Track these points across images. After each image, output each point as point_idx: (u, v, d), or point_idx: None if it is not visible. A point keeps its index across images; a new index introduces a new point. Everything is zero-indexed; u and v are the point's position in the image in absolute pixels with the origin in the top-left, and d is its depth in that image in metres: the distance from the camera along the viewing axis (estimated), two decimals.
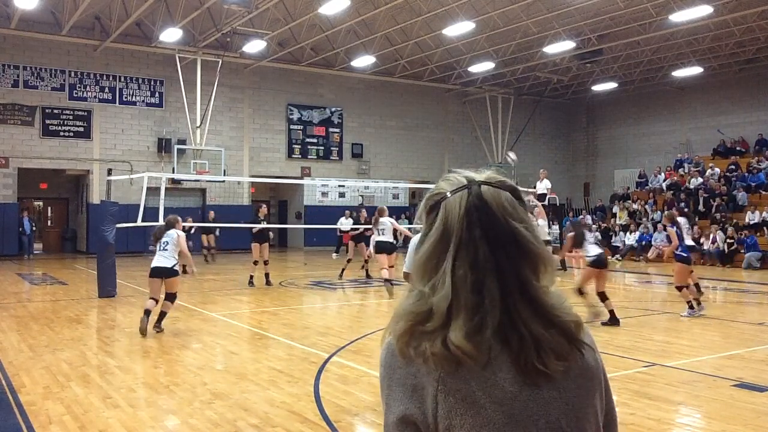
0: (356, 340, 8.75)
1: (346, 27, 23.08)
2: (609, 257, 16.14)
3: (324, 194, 28.76)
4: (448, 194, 1.16)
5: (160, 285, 9.23)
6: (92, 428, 5.14)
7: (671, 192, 26.14)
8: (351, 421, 5.42)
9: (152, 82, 25.40)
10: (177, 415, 5.49)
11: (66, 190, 26.81)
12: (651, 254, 23.12)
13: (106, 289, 12.74)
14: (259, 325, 10.13)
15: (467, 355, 1.06)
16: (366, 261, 17.16)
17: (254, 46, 23.41)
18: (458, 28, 21.83)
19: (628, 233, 24.46)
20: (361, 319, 11.20)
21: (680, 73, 27.70)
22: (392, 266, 14.03)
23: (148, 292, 9.40)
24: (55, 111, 23.81)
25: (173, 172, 22.92)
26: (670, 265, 12.32)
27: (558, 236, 23.49)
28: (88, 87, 24.36)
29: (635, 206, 26.39)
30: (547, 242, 18.46)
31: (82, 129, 24.25)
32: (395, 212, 26.47)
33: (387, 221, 13.68)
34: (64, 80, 23.99)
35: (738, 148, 27.23)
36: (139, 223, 13.97)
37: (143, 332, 8.86)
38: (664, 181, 27.16)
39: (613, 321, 9.52)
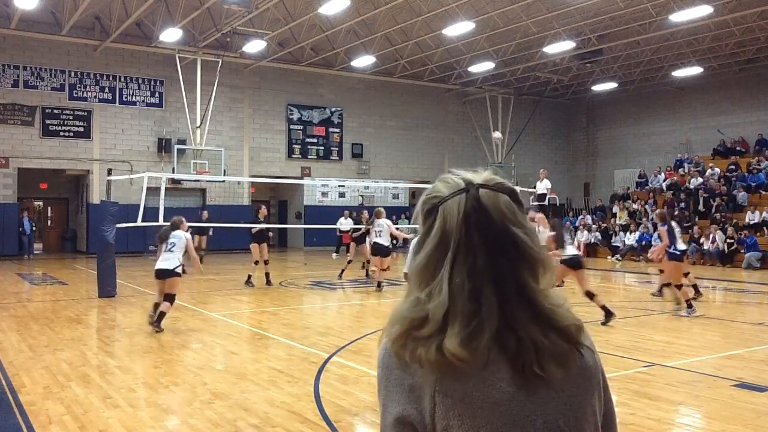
0: (356, 340, 8.75)
1: (346, 27, 23.08)
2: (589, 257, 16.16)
3: (324, 194, 28.76)
4: (446, 197, 1.15)
5: (163, 285, 9.35)
6: (92, 428, 5.14)
7: (671, 192, 26.14)
8: (351, 421, 5.42)
9: (152, 82, 25.40)
10: (177, 415, 5.50)
11: (66, 190, 26.81)
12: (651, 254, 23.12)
13: (106, 289, 12.74)
14: (259, 325, 10.13)
15: (462, 362, 1.06)
16: (367, 261, 17.19)
17: (254, 46, 23.41)
18: (458, 28, 21.83)
19: (628, 233, 24.46)
20: (361, 319, 11.20)
21: (680, 73, 27.70)
22: (387, 268, 14.14)
23: (152, 293, 9.40)
24: (55, 111, 23.81)
25: (173, 172, 22.91)
26: (659, 264, 12.31)
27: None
28: (88, 87, 24.36)
29: (635, 206, 26.38)
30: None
31: (82, 129, 24.25)
32: (395, 212, 26.53)
33: (384, 223, 13.86)
34: (64, 80, 23.99)
35: (738, 148, 27.22)
36: (139, 223, 13.97)
37: (154, 326, 9.19)
38: (664, 181, 27.16)
39: (608, 315, 9.50)
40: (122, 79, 24.89)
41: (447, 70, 28.75)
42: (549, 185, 20.64)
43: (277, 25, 22.61)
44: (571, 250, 9.95)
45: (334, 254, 23.52)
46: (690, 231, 22.90)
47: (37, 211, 28.06)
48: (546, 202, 20.38)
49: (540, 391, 1.09)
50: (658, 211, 12.21)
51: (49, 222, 27.88)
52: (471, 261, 1.10)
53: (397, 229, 15.10)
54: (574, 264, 9.83)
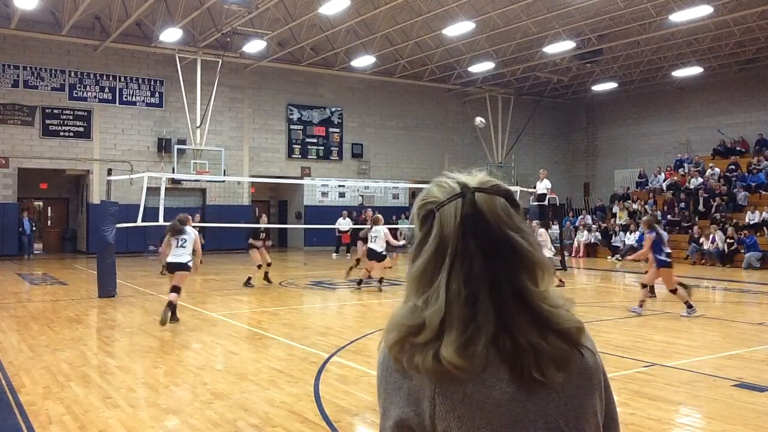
0: (356, 340, 8.75)
1: (346, 27, 23.07)
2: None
3: (324, 194, 28.76)
4: (443, 203, 1.14)
5: (173, 277, 9.98)
6: (92, 428, 5.14)
7: (671, 192, 26.15)
8: (351, 421, 5.42)
9: (152, 82, 25.40)
10: (177, 415, 5.49)
11: (66, 190, 26.81)
12: None
13: (106, 289, 12.74)
14: (259, 325, 10.13)
15: (459, 369, 1.05)
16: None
17: (254, 46, 23.41)
18: (458, 28, 21.83)
19: (628, 233, 24.46)
20: (361, 319, 11.20)
21: (680, 73, 27.70)
22: (390, 267, 14.33)
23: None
24: (55, 111, 23.81)
25: (173, 172, 22.90)
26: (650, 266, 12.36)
27: (558, 236, 23.51)
28: (88, 87, 24.36)
29: (635, 206, 26.39)
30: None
31: (82, 129, 24.25)
32: (395, 212, 26.54)
33: (381, 230, 14.12)
34: (64, 80, 23.99)
35: (738, 148, 27.23)
36: (139, 223, 13.97)
37: (174, 319, 9.74)
38: (664, 181, 27.17)
39: None
40: (122, 79, 24.89)
41: (447, 70, 28.75)
42: (549, 185, 20.63)
43: (277, 25, 22.61)
44: (546, 253, 9.99)
45: (334, 254, 23.54)
46: (690, 231, 22.92)
47: (37, 211, 28.05)
48: (546, 202, 20.37)
49: (540, 391, 1.09)
50: (644, 218, 12.29)
51: (49, 222, 27.88)
52: (467, 267, 1.10)
53: (396, 229, 15.27)
54: None
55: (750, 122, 27.92)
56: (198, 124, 24.31)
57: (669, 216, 24.91)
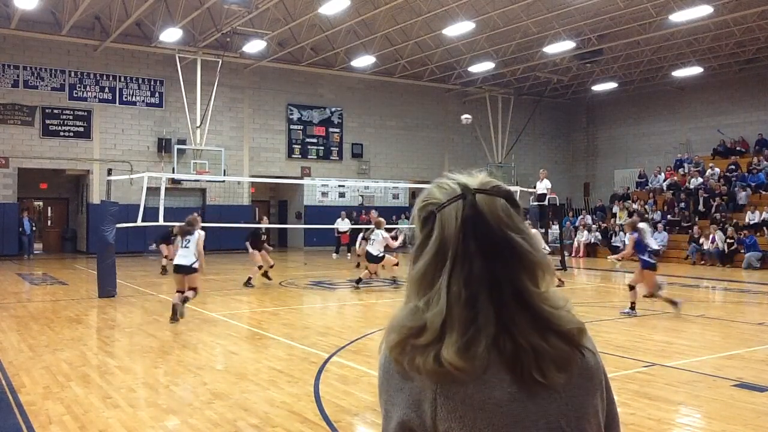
0: (356, 340, 8.75)
1: (346, 27, 23.07)
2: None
3: (324, 194, 28.76)
4: (443, 204, 1.14)
5: (183, 279, 10.10)
6: (92, 428, 5.14)
7: (671, 192, 26.15)
8: (351, 421, 5.42)
9: (152, 82, 25.40)
10: (177, 415, 5.49)
11: (66, 190, 26.81)
12: None
13: (106, 289, 12.74)
14: (259, 325, 10.13)
15: (460, 371, 1.06)
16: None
17: (254, 46, 23.41)
18: (458, 28, 21.83)
19: (628, 233, 24.41)
20: (361, 319, 11.20)
21: (680, 73, 27.70)
22: (397, 264, 14.61)
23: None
24: (55, 111, 23.81)
25: (173, 172, 22.90)
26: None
27: (558, 236, 23.51)
28: (88, 87, 24.36)
29: (635, 206, 26.38)
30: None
31: (82, 129, 24.25)
32: (395, 212, 26.54)
33: (380, 234, 14.45)
34: (64, 80, 23.99)
35: (738, 148, 27.23)
36: (139, 223, 13.98)
37: (180, 316, 9.90)
38: (664, 181, 27.17)
39: None
40: (122, 79, 24.89)
41: (447, 70, 28.75)
42: (549, 185, 20.63)
43: (277, 25, 22.61)
44: None
45: (334, 254, 23.54)
46: (690, 231, 22.92)
47: (37, 211, 28.06)
48: (546, 202, 20.37)
49: (541, 392, 1.09)
50: (628, 220, 12.42)
51: (49, 222, 27.87)
52: (468, 269, 1.10)
53: (396, 229, 15.45)
54: None
55: (750, 122, 27.92)
56: (198, 124, 24.32)
57: (669, 216, 24.91)
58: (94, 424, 5.24)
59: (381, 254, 14.41)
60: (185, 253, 10.05)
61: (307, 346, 8.34)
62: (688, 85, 29.68)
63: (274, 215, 29.72)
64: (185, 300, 10.07)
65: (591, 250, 25.79)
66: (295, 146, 28.34)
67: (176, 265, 10.21)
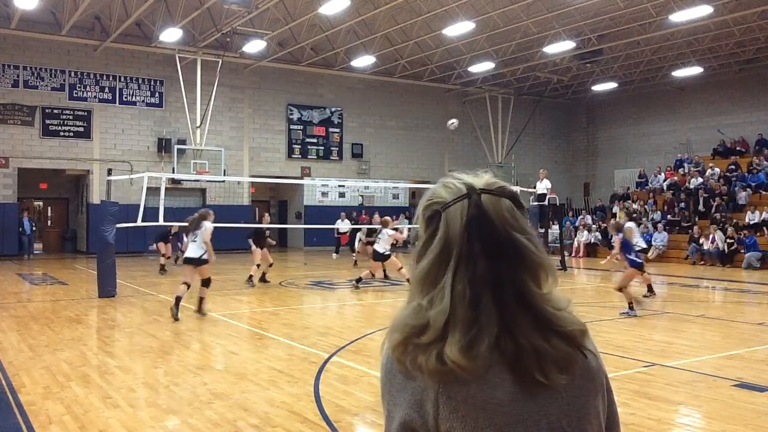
0: (356, 340, 8.75)
1: (346, 27, 23.07)
2: None
3: (324, 194, 28.76)
4: (448, 204, 1.15)
5: (191, 271, 10.48)
6: (92, 428, 5.14)
7: (671, 192, 26.14)
8: (351, 421, 5.42)
9: (152, 82, 25.40)
10: (177, 415, 5.49)
11: (66, 190, 26.81)
12: (651, 254, 23.12)
13: (106, 289, 12.74)
14: (259, 325, 10.13)
15: (463, 369, 1.06)
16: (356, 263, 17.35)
17: (254, 46, 23.41)
18: (458, 28, 21.83)
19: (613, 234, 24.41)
20: (361, 319, 11.20)
21: (680, 73, 27.70)
22: (400, 269, 14.58)
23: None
24: (55, 111, 23.81)
25: (173, 172, 22.91)
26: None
27: (558, 236, 23.51)
28: (88, 87, 24.36)
29: (635, 206, 26.38)
30: None
31: (82, 129, 24.25)
32: (395, 212, 26.51)
33: (386, 233, 14.50)
34: (64, 80, 23.98)
35: (738, 148, 27.22)
36: (139, 223, 13.98)
37: (175, 318, 10.09)
38: (664, 181, 27.17)
39: None
40: (122, 79, 24.89)
41: (447, 70, 28.75)
42: (549, 185, 20.63)
43: (277, 25, 22.61)
44: None
45: (335, 254, 23.54)
46: (690, 231, 22.92)
47: (37, 211, 28.06)
48: (546, 202, 20.37)
49: (542, 392, 1.09)
50: (612, 221, 12.56)
51: (49, 222, 27.87)
52: (472, 268, 1.10)
53: (396, 228, 15.50)
54: None
55: (750, 122, 27.92)
56: (198, 124, 24.32)
57: (669, 216, 24.91)
58: (94, 424, 5.23)
59: (388, 252, 14.44)
60: (194, 246, 10.44)
61: (307, 346, 8.34)
62: (688, 85, 29.67)
63: (274, 215, 29.70)
64: (201, 301, 10.60)
65: (591, 250, 25.79)
66: (295, 146, 28.34)
67: (186, 257, 10.67)
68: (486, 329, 1.08)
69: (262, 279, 15.31)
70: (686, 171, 26.99)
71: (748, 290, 15.54)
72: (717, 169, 25.67)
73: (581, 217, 27.78)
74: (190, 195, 26.07)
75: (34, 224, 24.59)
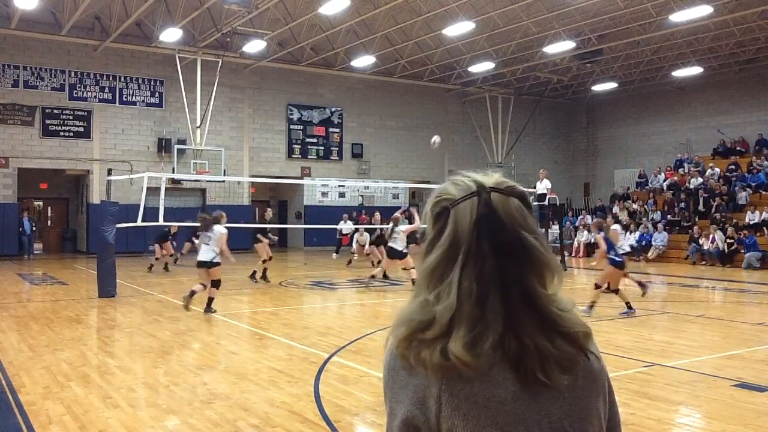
0: (356, 340, 8.75)
1: (346, 27, 23.07)
2: None
3: (324, 194, 28.75)
4: (457, 200, 1.15)
5: (206, 274, 10.83)
6: (92, 428, 5.14)
7: (671, 192, 26.14)
8: (351, 421, 5.42)
9: (152, 82, 25.39)
10: (177, 415, 5.49)
11: (66, 190, 26.81)
12: (651, 254, 23.13)
13: (106, 289, 12.74)
14: (259, 325, 10.13)
15: (466, 366, 1.06)
16: (379, 261, 17.27)
17: (254, 46, 23.40)
18: (458, 28, 21.82)
19: (628, 233, 24.44)
20: (361, 319, 11.20)
21: (680, 73, 27.69)
22: (412, 267, 14.34)
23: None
24: (55, 111, 23.81)
25: (173, 172, 22.91)
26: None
27: (558, 236, 23.51)
28: (88, 87, 24.35)
29: (635, 206, 26.39)
30: None
31: (82, 129, 24.25)
32: (395, 212, 26.49)
33: (400, 230, 14.51)
34: (64, 80, 23.98)
35: (738, 148, 27.22)
36: (139, 223, 13.98)
37: (186, 308, 10.61)
38: (664, 181, 27.17)
39: None
40: (122, 79, 24.88)
41: (447, 70, 28.74)
42: (549, 185, 20.63)
43: (277, 25, 22.61)
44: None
45: (335, 254, 23.54)
46: (690, 231, 22.92)
47: (37, 211, 28.06)
48: (546, 202, 20.37)
49: (544, 392, 1.10)
50: (594, 220, 12.56)
51: (49, 222, 27.87)
52: (480, 266, 1.11)
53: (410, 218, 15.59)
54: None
55: (750, 122, 27.92)
56: (198, 124, 24.32)
57: (669, 216, 24.91)
58: (94, 424, 5.23)
59: (405, 250, 14.38)
60: (206, 250, 10.71)
61: (307, 346, 8.34)
62: (688, 85, 29.67)
63: (273, 215, 29.69)
64: (210, 301, 10.79)
65: (591, 250, 25.72)
66: (295, 146, 28.34)
67: (198, 261, 10.90)
68: (491, 327, 1.09)
69: (263, 276, 15.41)
70: (686, 171, 26.99)
71: (748, 290, 15.54)
72: (717, 169, 25.67)
73: (581, 217, 27.78)
74: (190, 195, 26.07)
75: (34, 224, 24.59)
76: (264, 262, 15.43)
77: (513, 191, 1.17)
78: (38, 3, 19.35)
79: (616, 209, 27.15)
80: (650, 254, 23.06)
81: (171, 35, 21.67)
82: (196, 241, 12.27)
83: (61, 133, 23.88)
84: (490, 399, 1.07)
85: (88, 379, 6.69)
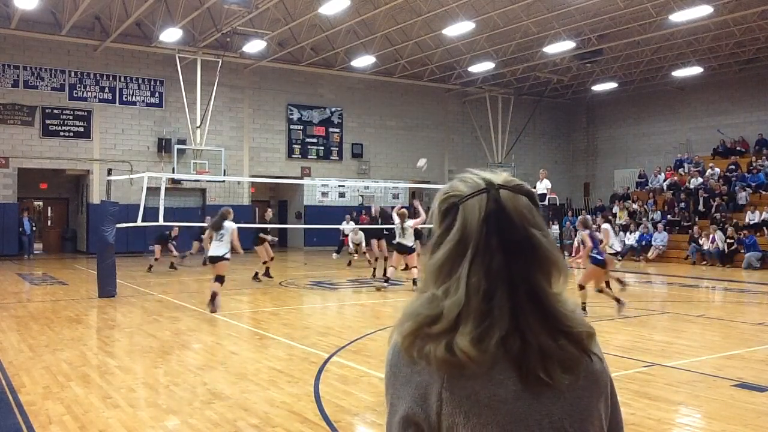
0: (356, 340, 8.75)
1: (346, 27, 23.07)
2: None
3: (324, 194, 28.76)
4: (466, 197, 1.15)
5: (213, 268, 11.10)
6: (92, 428, 5.13)
7: (671, 192, 26.14)
8: (351, 421, 5.42)
9: (152, 82, 25.40)
10: (177, 415, 5.49)
11: (66, 190, 26.81)
12: (651, 254, 23.13)
13: (106, 289, 12.74)
14: (259, 325, 10.13)
15: (472, 360, 1.06)
16: (384, 259, 17.16)
17: (254, 46, 23.41)
18: (458, 28, 21.83)
19: (628, 233, 24.45)
20: (361, 319, 11.20)
21: (680, 73, 27.70)
22: (413, 267, 14.21)
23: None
24: (55, 111, 23.81)
25: (173, 172, 22.92)
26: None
27: (558, 236, 23.51)
28: (88, 87, 24.36)
29: (635, 206, 26.38)
30: None
31: (82, 129, 24.25)
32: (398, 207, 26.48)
33: (408, 225, 14.21)
34: (64, 80, 23.98)
35: (738, 148, 27.22)
36: (139, 223, 13.99)
37: (213, 312, 10.81)
38: (664, 181, 27.16)
39: None
40: (122, 79, 24.88)
41: (447, 70, 28.75)
42: (549, 185, 20.64)
43: (277, 25, 22.61)
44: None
45: (335, 254, 23.53)
46: (690, 231, 22.92)
47: (37, 211, 28.06)
48: (546, 202, 20.37)
49: (546, 392, 1.10)
50: (580, 217, 12.49)
51: (49, 222, 27.87)
52: (488, 262, 1.11)
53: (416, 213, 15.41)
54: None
55: (750, 122, 27.92)
56: (198, 124, 24.32)
57: (669, 216, 24.91)
58: (94, 424, 5.23)
59: (413, 245, 14.25)
60: (219, 245, 10.93)
61: (307, 346, 8.34)
62: (688, 85, 29.67)
63: (273, 215, 29.71)
64: (214, 296, 10.94)
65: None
66: (295, 146, 28.34)
67: (210, 256, 11.11)
68: (498, 323, 1.09)
69: (266, 273, 15.47)
70: (686, 171, 26.99)
71: (748, 290, 15.54)
72: (717, 169, 25.66)
73: (581, 217, 27.73)
74: (190, 195, 26.08)
75: (34, 224, 24.59)
76: (265, 262, 15.51)
77: (521, 189, 1.17)
78: (38, 3, 19.35)
79: (616, 209, 27.15)
80: (650, 254, 23.05)
81: (171, 35, 21.67)
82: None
83: (61, 133, 23.88)
84: (492, 398, 1.07)
85: (88, 379, 6.69)
